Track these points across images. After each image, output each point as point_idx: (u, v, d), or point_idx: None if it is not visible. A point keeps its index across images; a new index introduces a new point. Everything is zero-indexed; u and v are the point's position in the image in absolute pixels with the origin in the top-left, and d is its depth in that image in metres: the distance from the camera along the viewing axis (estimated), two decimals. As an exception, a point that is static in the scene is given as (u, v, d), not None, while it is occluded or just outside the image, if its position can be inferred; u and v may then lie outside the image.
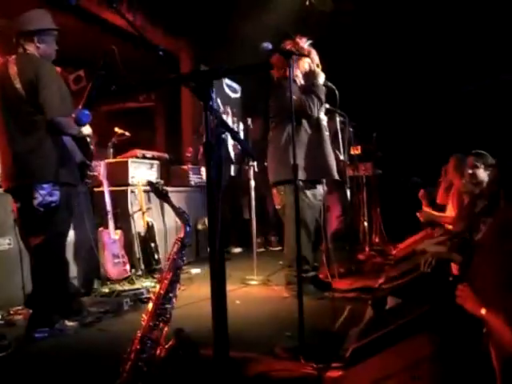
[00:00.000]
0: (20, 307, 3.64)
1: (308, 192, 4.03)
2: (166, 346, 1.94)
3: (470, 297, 1.81)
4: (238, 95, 9.09)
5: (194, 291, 4.26)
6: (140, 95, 9.18)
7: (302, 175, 3.80)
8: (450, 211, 4.46)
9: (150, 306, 2.02)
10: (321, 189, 4.18)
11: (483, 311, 1.71)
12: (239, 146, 6.63)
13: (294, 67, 3.82)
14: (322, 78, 4.13)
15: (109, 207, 4.55)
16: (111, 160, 5.15)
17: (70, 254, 4.02)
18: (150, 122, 9.42)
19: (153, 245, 4.99)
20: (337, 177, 4.25)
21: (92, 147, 3.61)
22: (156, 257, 4.97)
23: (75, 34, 5.01)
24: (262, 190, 6.46)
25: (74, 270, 4.13)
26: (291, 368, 2.40)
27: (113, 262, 4.49)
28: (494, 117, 7.01)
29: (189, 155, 7.09)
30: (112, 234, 4.53)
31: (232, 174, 7.39)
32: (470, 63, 7.16)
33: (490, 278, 1.77)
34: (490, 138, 5.62)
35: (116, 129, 5.33)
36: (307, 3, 6.88)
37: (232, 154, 7.39)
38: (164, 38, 7.06)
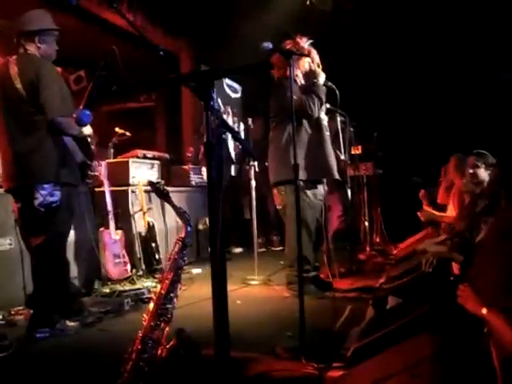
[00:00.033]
0: (21, 307, 3.64)
1: (309, 192, 4.03)
2: (167, 346, 1.94)
3: (470, 297, 1.81)
4: (238, 95, 9.10)
5: (194, 291, 4.26)
6: (140, 95, 9.19)
7: (302, 175, 3.79)
8: (451, 211, 4.46)
9: (151, 306, 2.02)
10: (321, 188, 4.18)
11: (484, 311, 1.71)
12: (240, 146, 6.63)
13: (294, 67, 3.81)
14: (322, 78, 4.13)
15: (109, 207, 4.55)
16: (112, 160, 5.16)
17: (70, 254, 4.02)
18: (150, 122, 9.42)
19: (154, 245, 4.99)
20: (337, 176, 4.25)
21: (93, 147, 3.61)
22: (157, 257, 4.97)
23: (75, 34, 5.01)
24: (263, 190, 6.46)
25: (74, 270, 4.13)
26: (292, 368, 2.40)
27: (114, 262, 4.49)
28: (494, 116, 7.01)
29: (189, 155, 7.09)
30: (113, 234, 4.54)
31: (232, 173, 7.39)
32: (470, 63, 7.16)
33: (491, 278, 1.77)
34: (491, 137, 5.62)
35: (117, 129, 5.34)
36: (307, 3, 6.88)
37: (233, 154, 7.40)
38: (164, 38, 7.06)
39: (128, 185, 4.97)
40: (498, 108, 7.04)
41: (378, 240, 6.75)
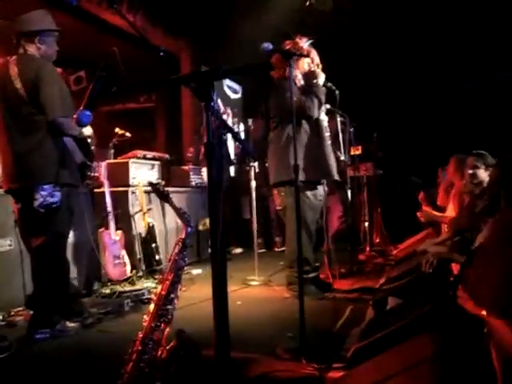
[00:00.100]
0: (21, 308, 3.64)
1: (309, 193, 4.03)
2: (168, 347, 1.94)
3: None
4: (238, 96, 9.10)
5: (195, 292, 4.26)
6: (141, 96, 9.20)
7: (302, 176, 3.79)
8: (451, 211, 4.46)
9: (152, 306, 2.02)
10: (321, 189, 4.17)
11: (484, 312, 1.71)
12: (240, 147, 6.64)
13: (294, 68, 3.81)
14: (322, 79, 4.12)
15: (109, 208, 4.55)
16: (112, 161, 5.15)
17: (70, 254, 4.02)
18: (150, 122, 9.43)
19: (153, 245, 4.99)
20: (337, 177, 4.24)
21: (93, 148, 3.61)
22: (157, 257, 4.97)
23: (75, 35, 5.01)
24: (263, 191, 6.46)
25: (74, 271, 4.13)
26: (292, 369, 2.40)
27: (113, 262, 4.49)
28: (494, 116, 7.01)
29: (190, 155, 7.09)
30: (113, 235, 4.53)
31: (232, 174, 7.39)
32: (469, 62, 7.16)
33: (492, 282, 1.77)
34: (491, 137, 5.62)
35: (117, 129, 5.33)
36: (307, 3, 6.88)
37: (232, 155, 7.40)
38: (164, 38, 7.06)
39: (128, 185, 4.97)
40: (497, 108, 7.04)
41: (378, 240, 6.74)
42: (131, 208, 4.93)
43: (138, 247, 4.90)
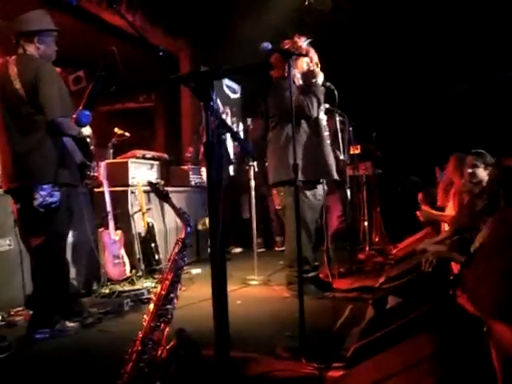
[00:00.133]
0: (20, 308, 3.64)
1: (308, 192, 4.03)
2: (168, 347, 1.94)
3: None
4: (237, 95, 9.10)
5: (194, 291, 4.26)
6: (140, 95, 9.19)
7: (301, 176, 3.79)
8: (451, 210, 4.46)
9: (151, 306, 2.02)
10: (321, 189, 4.17)
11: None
12: (239, 146, 6.64)
13: (293, 67, 3.81)
14: (320, 78, 4.12)
15: (109, 208, 4.54)
16: (111, 160, 5.15)
17: (69, 254, 4.02)
18: (149, 122, 9.43)
19: (153, 245, 4.99)
20: (336, 177, 4.23)
21: (92, 148, 3.61)
22: (156, 257, 4.96)
23: (75, 35, 5.01)
24: (263, 190, 6.46)
25: (73, 271, 4.13)
26: (292, 368, 2.40)
27: (113, 262, 4.49)
28: (493, 116, 7.01)
29: (189, 155, 7.09)
30: (112, 235, 4.53)
31: (231, 173, 7.39)
32: (468, 62, 7.16)
33: (492, 282, 1.77)
34: (490, 137, 5.62)
35: (116, 129, 5.33)
36: (306, 3, 6.88)
37: (231, 154, 7.40)
38: (163, 38, 7.06)
39: (127, 185, 4.97)
40: (496, 107, 7.05)
41: (377, 240, 6.75)
42: (130, 208, 4.93)
43: (137, 247, 4.90)
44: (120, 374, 1.85)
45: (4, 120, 3.18)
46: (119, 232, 4.62)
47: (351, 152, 5.88)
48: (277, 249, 6.87)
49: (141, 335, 1.94)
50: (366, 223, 6.54)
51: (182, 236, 2.17)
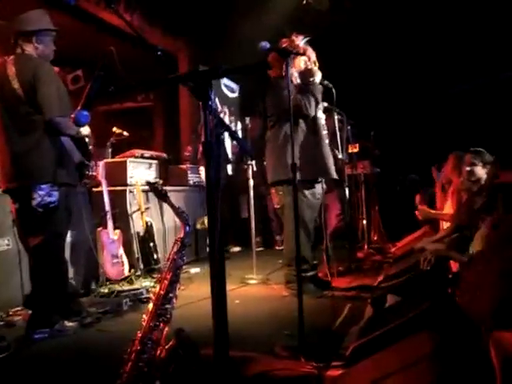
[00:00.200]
0: (19, 308, 3.64)
1: (306, 192, 4.02)
2: (167, 347, 1.94)
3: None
4: (235, 95, 9.09)
5: (193, 291, 4.26)
6: (138, 95, 9.18)
7: (299, 175, 3.78)
8: (449, 209, 4.47)
9: (151, 306, 2.02)
10: (319, 188, 4.17)
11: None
12: (238, 145, 6.63)
13: (290, 66, 3.81)
14: (318, 77, 4.12)
15: (107, 207, 4.54)
16: (110, 160, 5.15)
17: (68, 254, 4.02)
18: (148, 121, 9.42)
19: (152, 244, 4.98)
20: (335, 176, 4.23)
21: (90, 147, 3.61)
22: (155, 256, 4.96)
23: (73, 34, 4.99)
24: (262, 189, 6.46)
25: (72, 271, 4.12)
26: (291, 367, 2.40)
27: (112, 262, 4.49)
28: (491, 116, 7.02)
29: (187, 154, 7.09)
30: (111, 234, 4.53)
31: (229, 173, 7.39)
32: (467, 62, 7.17)
33: (491, 284, 1.77)
34: (488, 136, 5.63)
35: (114, 129, 5.32)
36: (304, 2, 6.88)
37: (230, 154, 7.40)
38: (162, 37, 7.05)
39: (126, 185, 4.96)
40: (495, 107, 7.06)
41: (376, 238, 6.76)
42: (129, 207, 4.93)
43: (136, 246, 4.90)
44: (119, 373, 1.85)
45: (2, 120, 3.18)
46: (118, 231, 4.61)
47: (349, 151, 5.89)
48: (277, 248, 6.86)
49: (140, 335, 1.94)
50: (364, 222, 6.55)
51: (181, 235, 2.17)
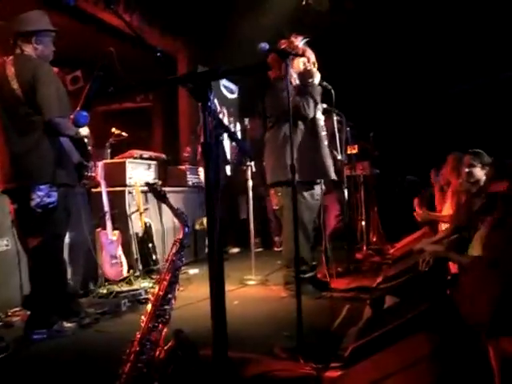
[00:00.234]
0: (18, 308, 3.63)
1: (305, 193, 4.02)
2: (165, 347, 1.94)
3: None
4: (234, 96, 9.09)
5: (192, 292, 4.26)
6: (137, 96, 9.18)
7: (298, 176, 3.78)
8: (448, 210, 4.47)
9: (149, 307, 2.02)
10: (318, 189, 4.17)
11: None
12: (237, 146, 6.64)
13: (289, 67, 3.81)
14: (317, 78, 4.12)
15: (106, 208, 4.54)
16: (109, 161, 5.15)
17: (67, 254, 4.02)
18: (147, 122, 9.41)
19: (150, 245, 4.98)
20: (333, 177, 4.23)
21: (89, 148, 3.60)
22: (154, 257, 4.96)
23: (72, 35, 4.99)
24: (261, 190, 6.46)
25: (71, 271, 4.12)
26: (290, 368, 2.40)
27: (110, 262, 4.49)
28: (490, 116, 7.03)
29: (186, 155, 7.08)
30: (110, 235, 4.53)
31: (228, 173, 7.39)
32: (466, 62, 7.18)
33: (490, 289, 1.76)
34: (487, 137, 5.64)
35: (113, 129, 5.32)
36: (303, 3, 6.88)
37: (230, 155, 7.40)
38: (161, 38, 7.05)
39: (125, 185, 4.96)
40: (494, 108, 7.06)
41: (374, 239, 6.76)
42: (128, 208, 4.93)
43: (134, 247, 4.90)
44: (118, 374, 1.84)
45: (1, 120, 3.18)
46: (117, 232, 4.61)
47: (349, 152, 5.89)
48: (276, 249, 6.86)
49: (139, 336, 1.94)
50: (363, 223, 6.55)
51: (180, 236, 2.17)
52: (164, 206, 4.46)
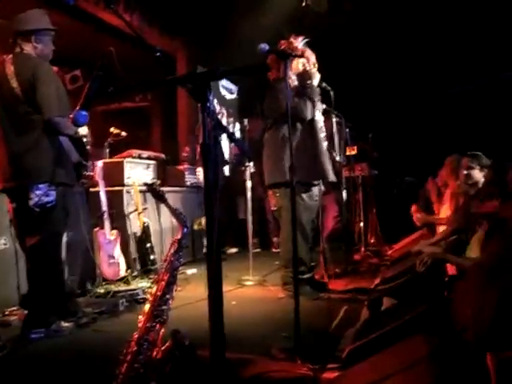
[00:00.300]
0: (15, 308, 3.63)
1: (304, 194, 4.02)
2: (163, 348, 1.94)
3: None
4: (233, 96, 9.09)
5: (190, 292, 4.26)
6: (136, 95, 9.18)
7: (296, 178, 3.78)
8: (446, 212, 4.48)
9: (147, 307, 2.02)
10: (317, 190, 4.17)
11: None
12: (236, 147, 6.63)
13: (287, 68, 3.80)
14: (316, 79, 4.12)
15: (105, 207, 4.54)
16: (107, 160, 5.14)
17: (65, 254, 4.01)
18: (146, 121, 9.41)
19: (148, 245, 4.98)
20: (332, 178, 4.21)
21: (88, 147, 3.60)
22: (152, 257, 4.96)
23: (72, 34, 4.99)
24: (259, 191, 6.46)
25: (69, 271, 4.11)
26: (287, 369, 2.40)
27: (108, 262, 4.48)
28: (489, 117, 7.04)
29: (185, 155, 7.08)
30: (108, 235, 4.53)
31: (227, 174, 7.39)
32: (466, 63, 7.18)
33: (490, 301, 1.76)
34: (487, 138, 5.64)
35: (112, 129, 5.32)
36: (303, 4, 6.88)
37: (229, 155, 7.40)
38: (161, 38, 7.05)
39: (123, 185, 4.96)
40: (494, 108, 7.07)
41: (372, 241, 6.76)
42: (126, 207, 4.93)
43: (132, 247, 4.90)
44: (115, 374, 1.84)
45: (0, 119, 3.17)
46: (115, 232, 4.61)
47: (347, 153, 5.89)
48: (274, 250, 6.86)
49: (136, 336, 1.94)
50: (361, 224, 6.55)
51: (179, 237, 2.17)
52: (162, 206, 4.47)
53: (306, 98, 3.98)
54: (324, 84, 4.20)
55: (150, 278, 4.65)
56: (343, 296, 4.00)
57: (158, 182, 4.89)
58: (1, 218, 3.72)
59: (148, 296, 2.15)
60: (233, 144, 7.20)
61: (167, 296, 2.05)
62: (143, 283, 4.55)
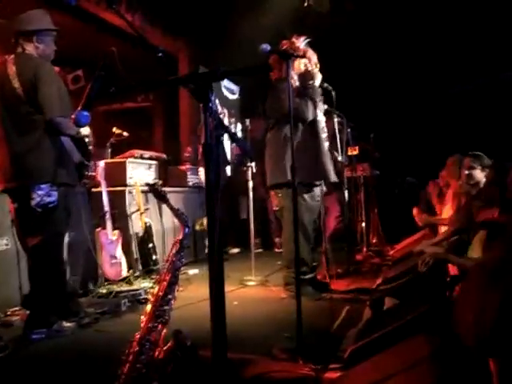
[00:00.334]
0: (17, 308, 3.63)
1: (305, 195, 4.01)
2: (165, 348, 1.94)
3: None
4: (235, 96, 9.09)
5: (192, 292, 4.26)
6: (138, 95, 9.18)
7: (298, 178, 3.77)
8: (448, 212, 4.47)
9: (149, 307, 2.02)
10: (318, 190, 4.17)
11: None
12: (238, 147, 6.62)
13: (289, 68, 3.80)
14: (318, 80, 4.11)
15: (107, 208, 4.54)
16: (109, 160, 5.15)
17: (66, 254, 4.01)
18: (147, 122, 9.41)
19: (150, 245, 4.98)
20: (334, 179, 4.21)
21: (90, 147, 3.60)
22: (154, 257, 4.96)
23: (74, 34, 5.00)
24: (261, 191, 6.46)
25: (71, 271, 4.11)
26: (289, 369, 2.40)
27: (110, 262, 4.49)
28: (491, 117, 7.02)
29: (187, 155, 7.08)
30: (110, 235, 4.53)
31: (228, 174, 7.39)
32: (467, 63, 7.17)
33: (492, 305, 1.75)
34: (488, 138, 5.63)
35: (114, 129, 5.32)
36: (305, 4, 6.88)
37: (231, 155, 7.40)
38: (163, 38, 7.05)
39: (125, 185, 4.96)
40: (495, 109, 7.06)
41: (374, 241, 6.76)
42: (128, 208, 4.93)
43: (134, 247, 4.90)
44: (117, 375, 1.84)
45: (2, 119, 3.18)
46: (117, 232, 4.61)
47: (349, 153, 5.89)
48: (276, 250, 6.86)
49: (138, 336, 1.94)
50: (363, 224, 6.55)
51: (180, 237, 2.17)
52: (164, 206, 4.46)
53: (307, 99, 3.98)
54: (326, 84, 4.20)
55: (152, 279, 4.66)
56: (345, 296, 4.00)
57: (160, 182, 4.90)
58: (2, 218, 3.72)
59: (150, 296, 2.15)
60: (235, 144, 7.20)
61: (169, 296, 2.05)
62: (145, 283, 4.55)
